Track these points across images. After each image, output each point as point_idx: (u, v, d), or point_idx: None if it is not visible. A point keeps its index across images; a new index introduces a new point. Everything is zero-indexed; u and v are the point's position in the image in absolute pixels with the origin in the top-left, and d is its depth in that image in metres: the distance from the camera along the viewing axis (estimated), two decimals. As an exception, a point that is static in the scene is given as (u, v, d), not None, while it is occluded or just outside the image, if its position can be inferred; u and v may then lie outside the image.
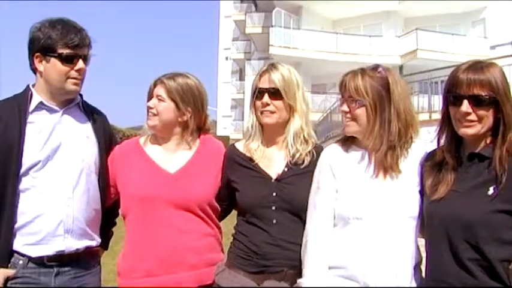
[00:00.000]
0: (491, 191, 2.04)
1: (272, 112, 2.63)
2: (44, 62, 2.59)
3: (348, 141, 2.53)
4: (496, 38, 25.44)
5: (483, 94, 2.07)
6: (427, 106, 14.11)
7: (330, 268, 2.38)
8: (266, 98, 2.62)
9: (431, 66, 16.45)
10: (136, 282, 2.63)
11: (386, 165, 2.36)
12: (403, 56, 29.33)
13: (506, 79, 2.12)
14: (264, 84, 2.65)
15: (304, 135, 2.65)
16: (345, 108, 2.43)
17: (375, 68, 2.42)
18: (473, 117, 2.11)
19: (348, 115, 2.42)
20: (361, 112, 2.37)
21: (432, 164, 2.30)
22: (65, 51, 2.57)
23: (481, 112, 2.09)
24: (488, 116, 2.10)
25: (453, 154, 2.23)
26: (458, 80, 2.13)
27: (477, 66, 2.13)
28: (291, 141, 2.63)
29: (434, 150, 2.35)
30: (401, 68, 28.64)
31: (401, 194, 2.34)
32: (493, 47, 23.66)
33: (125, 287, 2.68)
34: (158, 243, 2.62)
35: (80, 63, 2.61)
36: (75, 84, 2.64)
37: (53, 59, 2.57)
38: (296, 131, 2.64)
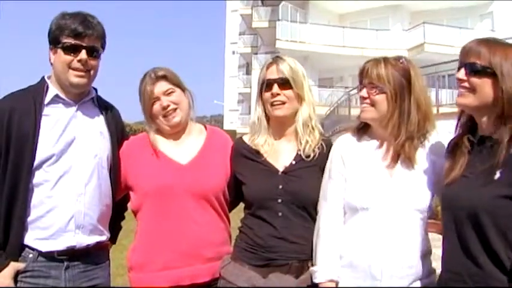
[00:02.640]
0: (497, 175, 1.97)
1: (283, 103, 2.63)
2: (54, 53, 2.60)
3: (361, 131, 2.53)
4: (503, 31, 25.24)
5: (478, 62, 2.06)
6: (434, 100, 14.02)
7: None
8: (276, 88, 2.62)
9: (438, 60, 16.32)
10: (152, 276, 2.63)
11: (405, 156, 2.37)
12: (410, 50, 29.15)
13: None
14: (272, 75, 2.65)
15: (312, 124, 2.67)
16: (364, 93, 2.42)
17: (398, 58, 2.42)
18: (466, 84, 2.10)
19: (367, 100, 2.41)
20: (380, 99, 2.37)
21: (451, 149, 2.26)
22: (67, 40, 2.54)
23: (474, 80, 2.07)
24: (482, 86, 2.06)
25: (466, 137, 2.18)
26: (462, 49, 2.15)
27: (490, 39, 2.12)
28: (301, 130, 2.64)
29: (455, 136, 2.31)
30: (408, 61, 28.50)
31: (409, 186, 2.36)
32: (501, 41, 23.47)
33: (140, 283, 2.68)
34: (177, 236, 2.63)
35: (82, 54, 2.56)
36: (79, 76, 2.58)
37: (58, 50, 2.57)
38: (305, 120, 2.65)
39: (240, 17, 43.08)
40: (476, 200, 1.99)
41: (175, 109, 2.73)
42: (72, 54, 2.56)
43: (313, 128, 2.68)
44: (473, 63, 2.07)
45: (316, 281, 2.44)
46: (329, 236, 2.45)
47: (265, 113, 2.72)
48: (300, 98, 2.65)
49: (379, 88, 2.37)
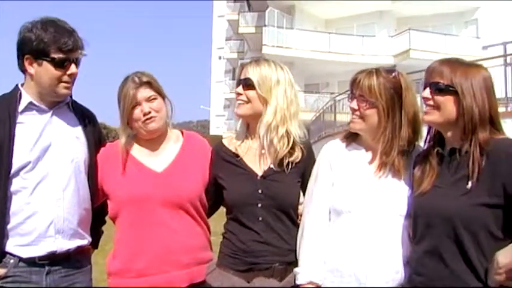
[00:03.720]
0: (469, 185, 2.07)
1: (245, 102, 2.64)
2: (35, 65, 2.53)
3: (350, 138, 2.55)
4: (488, 38, 25.51)
5: (441, 82, 2.17)
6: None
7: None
8: (240, 88, 2.66)
9: (423, 66, 16.12)
10: (129, 282, 2.63)
11: (394, 168, 2.39)
12: (396, 56, 29.41)
13: (490, 83, 2.19)
14: (241, 75, 2.69)
15: (282, 132, 2.60)
16: (354, 105, 2.43)
17: (390, 70, 2.43)
18: (431, 102, 2.21)
19: (357, 112, 2.42)
20: (371, 113, 2.38)
21: (420, 160, 2.35)
22: (58, 55, 2.50)
23: (438, 98, 2.18)
24: (445, 104, 2.17)
25: (435, 149, 2.28)
26: (426, 69, 2.27)
27: (451, 60, 2.25)
28: (262, 133, 2.61)
29: (425, 149, 2.41)
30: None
31: (394, 191, 2.38)
32: (485, 47, 23.72)
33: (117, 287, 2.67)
34: (151, 243, 2.62)
35: (73, 68, 2.55)
36: (67, 88, 2.59)
37: (45, 63, 2.51)
38: (266, 124, 2.59)
39: (227, 22, 43.19)
40: (451, 209, 2.08)
41: (154, 116, 2.70)
42: (62, 69, 2.53)
43: (285, 136, 2.61)
44: (437, 83, 2.20)
45: (298, 282, 2.45)
46: (313, 238, 2.46)
47: None
48: (265, 102, 2.62)
49: (370, 102, 2.37)
